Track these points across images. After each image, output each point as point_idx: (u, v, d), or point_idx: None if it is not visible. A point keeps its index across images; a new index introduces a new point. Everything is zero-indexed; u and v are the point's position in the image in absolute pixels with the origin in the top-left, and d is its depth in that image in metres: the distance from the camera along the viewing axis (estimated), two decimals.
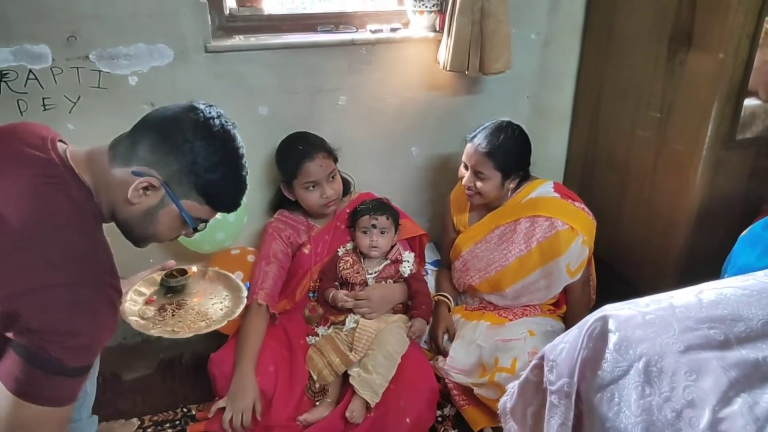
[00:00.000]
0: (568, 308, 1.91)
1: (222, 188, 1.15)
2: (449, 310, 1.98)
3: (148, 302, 1.42)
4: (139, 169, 1.08)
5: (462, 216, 2.03)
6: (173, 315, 1.39)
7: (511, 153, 1.83)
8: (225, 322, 1.39)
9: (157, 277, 1.47)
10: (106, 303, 1.03)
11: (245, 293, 1.48)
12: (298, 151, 1.85)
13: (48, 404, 0.99)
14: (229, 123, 1.16)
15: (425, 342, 1.95)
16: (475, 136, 1.86)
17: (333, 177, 1.88)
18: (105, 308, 1.03)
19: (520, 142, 1.87)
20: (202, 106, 1.14)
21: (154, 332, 1.33)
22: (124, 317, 1.33)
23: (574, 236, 1.77)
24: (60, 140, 1.15)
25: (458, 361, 1.78)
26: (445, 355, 1.83)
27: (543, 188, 1.89)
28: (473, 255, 1.93)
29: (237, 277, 1.57)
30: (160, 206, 1.11)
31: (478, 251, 1.92)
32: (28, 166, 1.05)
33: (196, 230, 1.19)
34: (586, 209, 1.86)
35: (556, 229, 1.77)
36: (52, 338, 0.96)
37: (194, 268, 1.54)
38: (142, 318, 1.36)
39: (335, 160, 1.91)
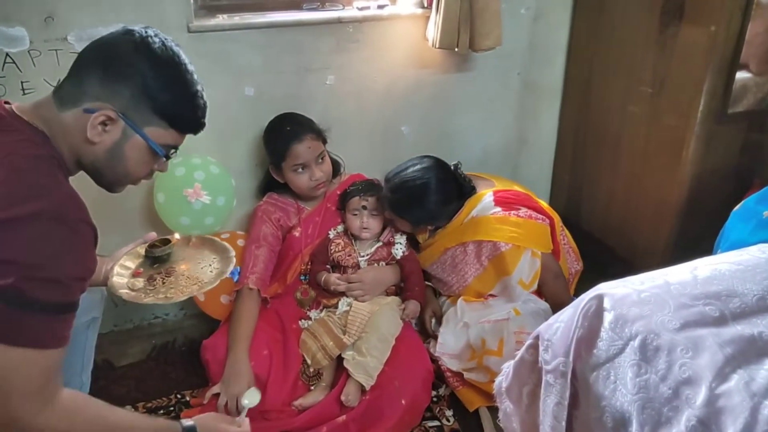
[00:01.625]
0: (548, 302, 1.86)
1: (180, 107, 1.10)
2: (436, 294, 1.97)
3: (135, 275, 1.39)
4: (91, 106, 1.03)
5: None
6: (164, 283, 1.37)
7: (416, 212, 1.81)
8: (218, 282, 1.37)
9: (141, 249, 1.45)
10: (76, 237, 0.96)
11: (233, 253, 1.46)
12: (286, 132, 1.81)
13: (20, 344, 0.90)
14: (170, 40, 1.11)
15: (415, 324, 1.95)
16: (389, 180, 1.84)
17: (322, 159, 1.85)
18: (75, 242, 0.96)
19: (432, 199, 1.79)
20: (136, 28, 1.08)
21: (148, 300, 1.31)
22: (113, 291, 1.32)
23: (520, 253, 1.75)
24: (6, 102, 1.09)
25: (448, 347, 1.78)
26: (434, 337, 1.83)
27: (483, 203, 1.83)
28: (435, 274, 1.93)
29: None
30: (123, 140, 1.06)
31: (437, 272, 1.92)
32: None
33: (167, 158, 1.15)
34: (535, 214, 1.81)
35: (500, 250, 1.75)
36: (16, 270, 0.89)
37: (177, 236, 1.51)
38: (132, 290, 1.34)
39: (324, 141, 1.88)
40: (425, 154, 1.90)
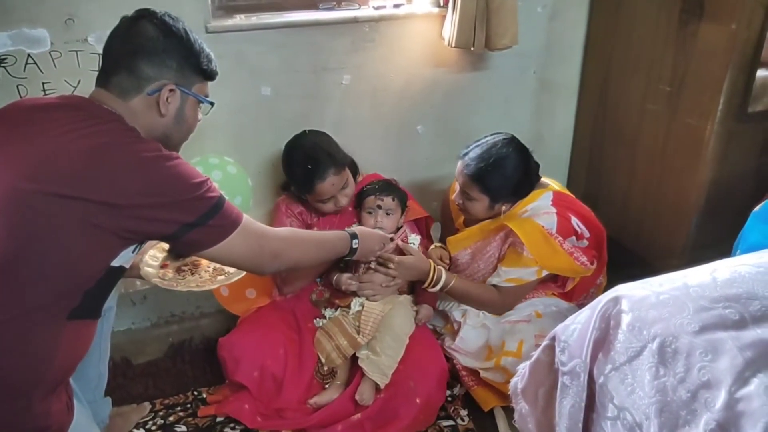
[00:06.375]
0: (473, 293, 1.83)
1: (206, 60, 1.27)
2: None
3: (163, 267, 1.46)
4: (152, 88, 1.19)
5: (461, 217, 1.97)
6: (192, 273, 1.45)
7: (499, 180, 1.72)
8: (243, 273, 1.41)
9: (164, 244, 1.50)
10: (180, 161, 1.17)
11: None
12: (308, 171, 1.77)
13: (231, 231, 1.19)
14: (166, 14, 1.24)
15: (438, 324, 1.95)
16: (466, 153, 1.77)
17: (345, 186, 1.83)
18: (185, 165, 1.16)
19: (514, 167, 1.73)
20: (137, 14, 1.22)
21: (181, 288, 1.40)
22: (148, 279, 1.42)
23: (530, 266, 1.71)
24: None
25: (468, 343, 1.77)
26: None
27: (541, 200, 1.76)
28: (462, 259, 1.89)
29: None
30: (183, 103, 1.25)
31: (466, 257, 1.88)
32: (65, 113, 1.13)
33: (213, 104, 1.33)
34: (581, 258, 1.72)
35: (522, 249, 1.70)
36: (183, 203, 1.12)
37: None
38: (165, 280, 1.43)
39: (347, 166, 1.84)
40: (497, 132, 1.84)
